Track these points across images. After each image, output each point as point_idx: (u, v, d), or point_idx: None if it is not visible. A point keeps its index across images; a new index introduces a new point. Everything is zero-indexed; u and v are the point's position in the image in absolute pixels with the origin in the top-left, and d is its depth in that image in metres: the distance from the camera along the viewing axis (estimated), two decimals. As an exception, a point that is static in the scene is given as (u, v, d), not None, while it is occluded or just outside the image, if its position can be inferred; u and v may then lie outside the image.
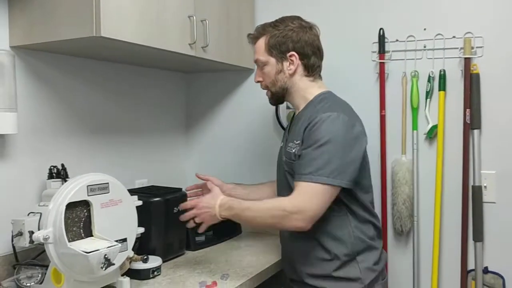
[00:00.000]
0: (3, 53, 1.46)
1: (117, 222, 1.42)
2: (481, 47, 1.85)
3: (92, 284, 1.38)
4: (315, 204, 1.43)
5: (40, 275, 1.42)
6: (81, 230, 1.35)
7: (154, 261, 1.59)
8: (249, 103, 2.25)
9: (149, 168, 2.15)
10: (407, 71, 1.96)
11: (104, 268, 1.25)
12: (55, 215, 1.28)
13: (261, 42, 1.62)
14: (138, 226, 1.49)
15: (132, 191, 1.60)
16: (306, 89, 1.61)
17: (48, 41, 1.47)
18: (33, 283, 1.42)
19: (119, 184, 1.45)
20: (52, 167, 1.61)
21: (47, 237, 1.26)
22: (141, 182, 2.09)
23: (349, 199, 1.53)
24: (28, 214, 1.39)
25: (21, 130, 1.56)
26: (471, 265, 1.89)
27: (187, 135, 2.40)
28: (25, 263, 1.45)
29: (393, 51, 1.98)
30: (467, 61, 1.85)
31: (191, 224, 1.58)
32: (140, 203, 1.53)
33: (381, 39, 1.97)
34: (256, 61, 1.65)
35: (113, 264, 1.27)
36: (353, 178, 1.48)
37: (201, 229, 1.57)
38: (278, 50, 1.59)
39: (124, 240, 1.44)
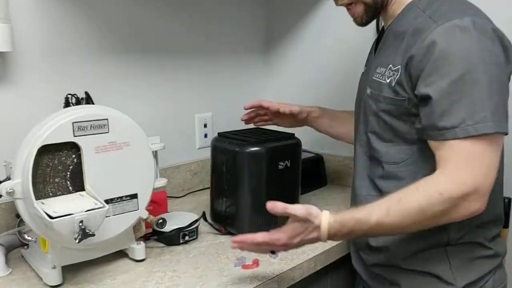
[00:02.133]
0: None
1: (122, 173, 1.05)
2: None
3: (90, 251, 1.05)
4: (489, 170, 0.89)
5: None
6: (68, 182, 1.00)
7: (185, 222, 1.22)
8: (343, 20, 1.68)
9: (214, 100, 1.74)
10: None
11: (78, 240, 0.89)
12: (24, 162, 0.94)
13: None
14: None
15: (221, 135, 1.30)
16: None
17: None
18: (35, 238, 1.14)
19: (127, 121, 1.06)
20: (69, 96, 1.27)
21: (10, 191, 0.93)
22: (203, 117, 1.70)
23: None
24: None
25: (27, 48, 1.24)
26: None
27: (266, 60, 1.92)
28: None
29: None
30: None
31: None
32: (160, 146, 1.13)
33: None
34: None
35: (92, 235, 0.91)
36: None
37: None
38: None
39: (134, 196, 1.07)
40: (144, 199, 1.09)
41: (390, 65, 1.01)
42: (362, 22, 1.11)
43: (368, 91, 1.08)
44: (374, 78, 1.06)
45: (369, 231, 0.92)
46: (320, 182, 1.71)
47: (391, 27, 1.07)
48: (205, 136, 1.71)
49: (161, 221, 1.11)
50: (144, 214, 1.10)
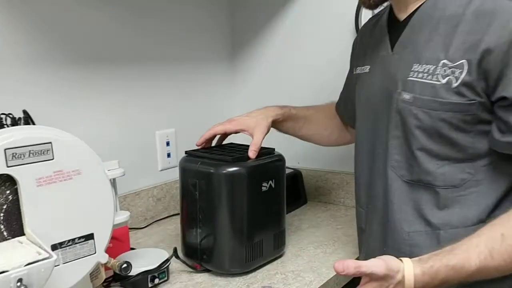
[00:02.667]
0: None
1: (73, 209, 0.84)
2: None
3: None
4: None
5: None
6: (1, 227, 0.78)
7: (152, 262, 1.01)
8: (318, 14, 1.53)
9: (176, 114, 1.54)
10: None
11: (16, 304, 0.67)
12: None
13: None
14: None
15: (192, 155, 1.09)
16: None
17: None
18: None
19: (76, 144, 0.85)
20: (3, 116, 1.05)
21: None
22: (164, 133, 1.50)
23: None
24: None
25: None
26: None
27: (232, 67, 1.75)
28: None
29: None
30: None
31: None
32: (119, 172, 0.92)
33: None
34: None
35: (36, 296, 0.69)
36: None
37: None
38: None
39: (89, 237, 0.86)
40: (102, 240, 0.88)
41: (444, 61, 0.81)
42: (370, 3, 0.93)
43: (407, 96, 0.85)
44: (414, 79, 0.84)
45: (466, 278, 0.75)
46: (300, 201, 1.54)
47: (424, 11, 0.86)
48: (168, 155, 1.51)
49: (125, 265, 0.90)
50: (104, 258, 0.89)
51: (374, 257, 0.80)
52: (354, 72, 1.07)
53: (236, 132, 1.14)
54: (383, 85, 0.92)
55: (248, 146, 1.13)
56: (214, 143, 1.20)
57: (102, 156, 0.91)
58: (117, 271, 0.91)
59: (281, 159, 1.11)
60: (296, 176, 1.53)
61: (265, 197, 1.05)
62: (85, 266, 0.86)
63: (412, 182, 0.88)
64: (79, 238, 0.84)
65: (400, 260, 0.75)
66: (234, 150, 1.17)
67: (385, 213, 0.93)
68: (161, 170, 1.50)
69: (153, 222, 1.42)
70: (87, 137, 0.93)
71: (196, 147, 1.15)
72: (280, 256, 1.14)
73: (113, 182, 0.92)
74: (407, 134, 0.87)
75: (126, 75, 1.38)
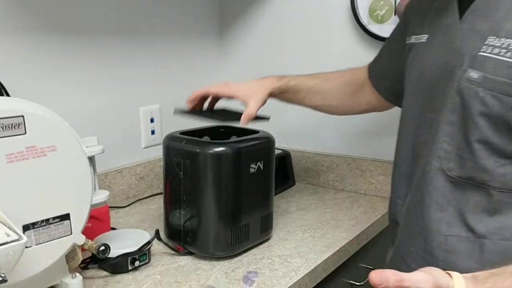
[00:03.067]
0: None
1: (47, 188, 0.78)
2: None
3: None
4: None
5: None
6: (-32, 205, 0.72)
7: (133, 244, 0.96)
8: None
9: (161, 90, 1.48)
10: None
11: (-19, 290, 0.62)
12: None
13: None
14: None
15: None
16: None
17: None
18: None
19: (51, 118, 0.79)
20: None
21: None
22: (149, 109, 1.44)
23: None
24: None
25: None
26: None
27: (220, 41, 1.68)
28: None
29: None
30: None
31: None
32: (98, 149, 0.87)
33: None
34: None
35: (3, 281, 0.64)
36: None
37: None
38: None
39: (65, 217, 0.81)
40: (79, 220, 0.83)
41: None
42: None
43: (474, 75, 0.71)
44: (487, 54, 0.70)
45: None
46: (288, 183, 1.50)
47: None
48: (152, 133, 1.45)
49: (103, 248, 0.85)
50: (80, 240, 0.84)
51: (406, 256, 0.73)
52: (408, 41, 0.90)
53: (229, 98, 1.06)
54: (443, 59, 0.77)
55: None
56: (205, 106, 1.12)
57: (82, 132, 0.86)
58: (95, 253, 0.86)
59: (270, 139, 1.06)
60: (285, 157, 1.49)
61: (253, 179, 1.00)
62: (60, 248, 0.81)
63: (460, 179, 0.75)
64: (54, 218, 0.79)
65: (449, 274, 0.61)
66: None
67: (421, 208, 0.80)
68: (145, 148, 1.44)
69: (135, 201, 1.37)
70: (66, 112, 0.87)
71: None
72: (267, 240, 1.10)
73: (92, 160, 0.87)
74: (466, 120, 0.72)
75: (109, 47, 1.31)
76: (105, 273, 0.95)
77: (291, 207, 1.33)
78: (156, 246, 1.05)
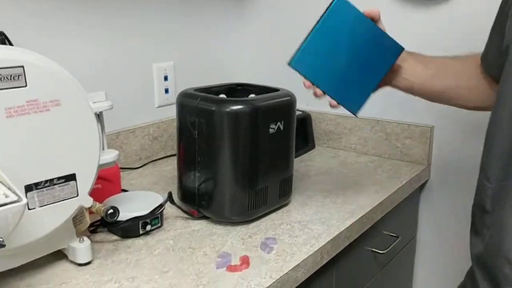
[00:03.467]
0: None
1: (51, 146, 0.72)
2: None
3: (10, 258, 0.74)
4: None
5: None
6: (-35, 162, 0.67)
7: (145, 207, 0.91)
8: None
9: (176, 46, 1.40)
10: None
11: (-23, 255, 0.57)
12: None
13: None
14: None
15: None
16: None
17: None
18: None
19: (54, 70, 0.72)
20: (-25, 37, 0.92)
21: None
22: (162, 67, 1.36)
23: None
24: None
25: None
26: None
27: (240, 1, 1.58)
28: None
29: None
30: None
31: None
32: (106, 105, 0.80)
33: None
34: None
35: (1, 246, 0.59)
36: None
37: None
38: None
39: (70, 178, 0.75)
40: (86, 181, 0.77)
41: None
42: None
43: None
44: None
45: None
46: (308, 146, 1.43)
47: None
48: (166, 91, 1.38)
49: (111, 211, 0.79)
50: (87, 202, 0.78)
51: (498, 252, 0.64)
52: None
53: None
54: None
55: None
56: None
57: (90, 87, 0.79)
58: (103, 217, 0.81)
59: (291, 98, 0.98)
60: (305, 119, 1.41)
61: (272, 140, 0.93)
62: (66, 210, 0.76)
63: None
64: (59, 178, 0.74)
65: None
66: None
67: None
68: (158, 107, 1.37)
69: (148, 162, 1.32)
70: (73, 66, 0.81)
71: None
72: (286, 205, 1.04)
73: (100, 117, 0.80)
74: None
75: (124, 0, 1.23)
76: (115, 237, 0.90)
77: (310, 171, 1.26)
78: (169, 210, 1.00)
